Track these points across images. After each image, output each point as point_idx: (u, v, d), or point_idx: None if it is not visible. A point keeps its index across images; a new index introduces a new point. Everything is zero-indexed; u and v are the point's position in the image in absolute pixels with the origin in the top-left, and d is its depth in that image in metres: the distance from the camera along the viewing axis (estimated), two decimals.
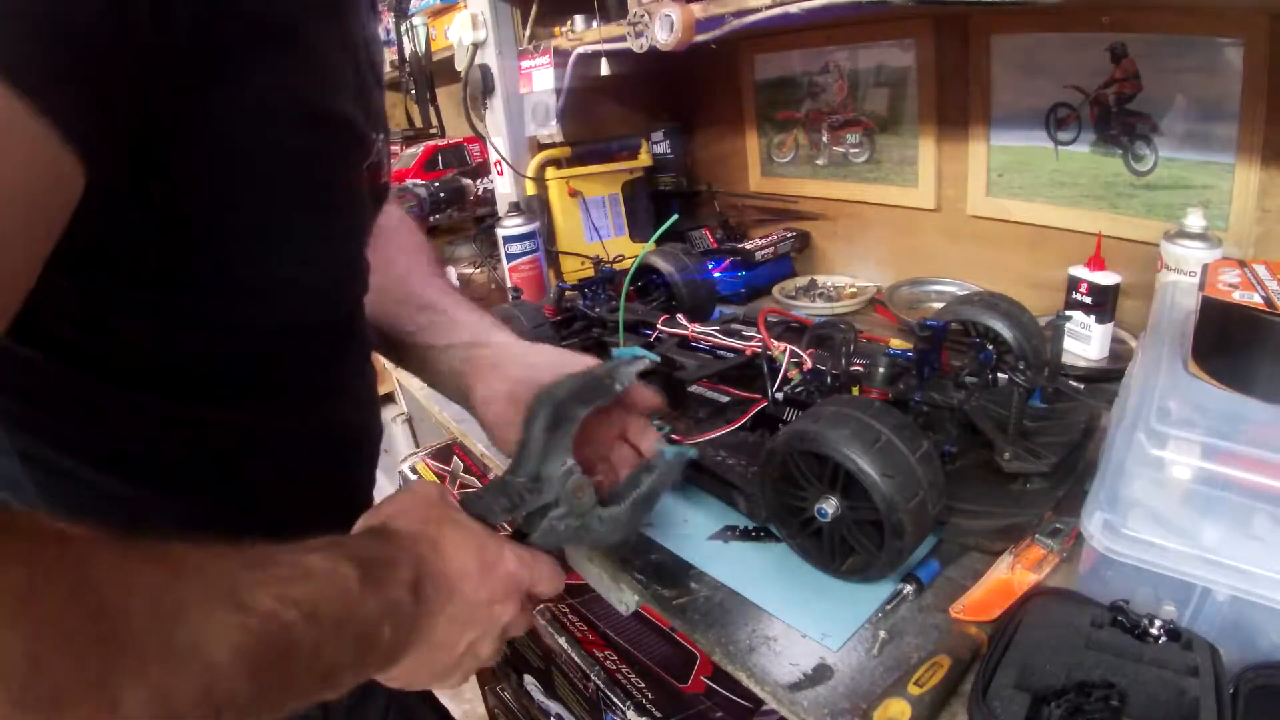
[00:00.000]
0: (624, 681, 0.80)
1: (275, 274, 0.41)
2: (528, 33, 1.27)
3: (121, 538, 0.26)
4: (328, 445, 0.49)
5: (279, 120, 0.37)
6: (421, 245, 0.66)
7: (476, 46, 1.28)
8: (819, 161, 1.32)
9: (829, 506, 0.57)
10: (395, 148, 1.87)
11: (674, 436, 0.76)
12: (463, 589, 0.40)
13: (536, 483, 0.45)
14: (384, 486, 0.56)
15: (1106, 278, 0.85)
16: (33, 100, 0.25)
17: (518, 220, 1.25)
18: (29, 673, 0.21)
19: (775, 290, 1.26)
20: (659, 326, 0.95)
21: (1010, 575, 0.58)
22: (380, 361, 0.67)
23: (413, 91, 1.92)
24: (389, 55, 2.07)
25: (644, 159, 1.42)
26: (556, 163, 1.35)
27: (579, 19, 1.18)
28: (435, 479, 1.21)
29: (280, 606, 0.29)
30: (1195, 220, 0.79)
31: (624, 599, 0.83)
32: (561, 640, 0.86)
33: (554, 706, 0.96)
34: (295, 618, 0.30)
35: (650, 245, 1.03)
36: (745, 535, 0.67)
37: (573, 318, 1.04)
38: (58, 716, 0.22)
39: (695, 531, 0.69)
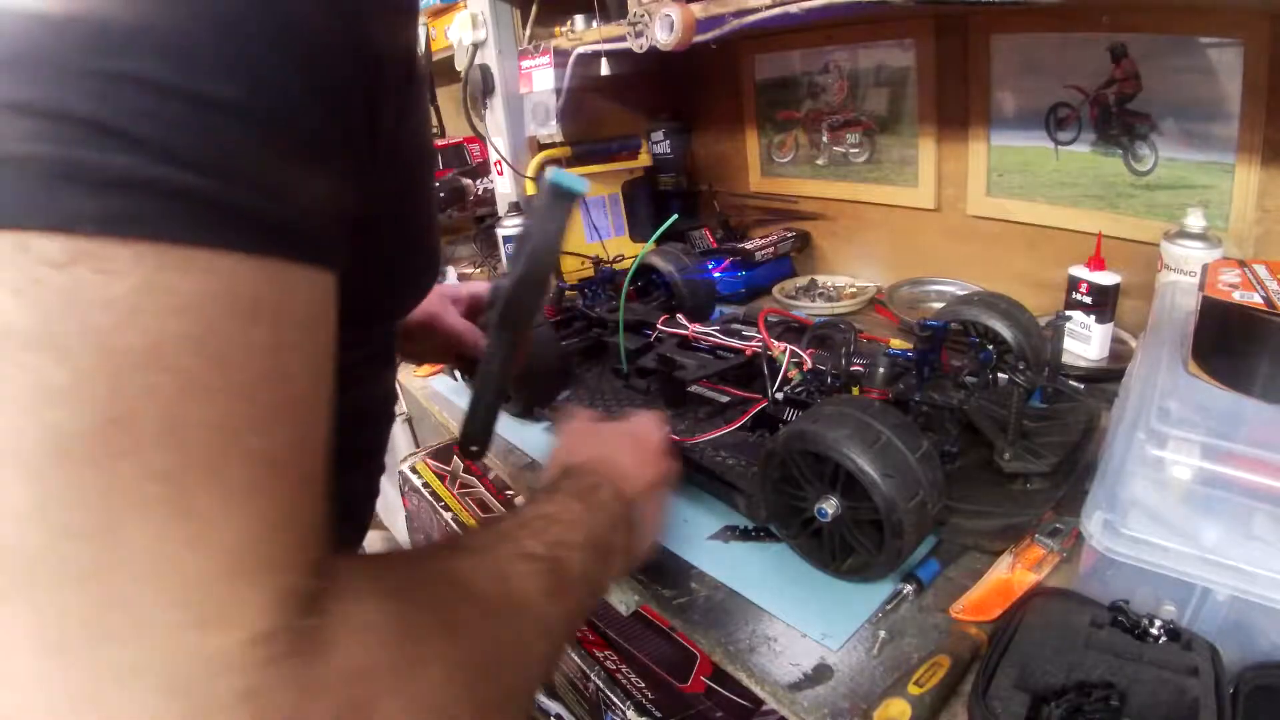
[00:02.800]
0: (624, 681, 0.80)
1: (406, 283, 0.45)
2: (528, 33, 1.27)
3: (423, 553, 0.34)
4: (381, 415, 0.52)
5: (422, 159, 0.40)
6: None
7: (476, 46, 1.28)
8: (819, 161, 1.32)
9: (829, 506, 0.57)
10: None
11: (673, 437, 0.76)
12: (635, 476, 0.51)
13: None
14: (385, 487, 0.55)
15: (1106, 278, 0.85)
16: (304, 260, 0.24)
17: (518, 220, 1.25)
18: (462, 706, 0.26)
19: (775, 290, 1.26)
20: (659, 326, 0.95)
21: (1010, 575, 0.58)
22: None
23: None
24: None
25: (644, 159, 1.42)
26: (556, 163, 1.34)
27: (579, 19, 1.18)
28: (436, 479, 1.21)
29: (549, 549, 0.37)
30: (1195, 220, 0.79)
31: (624, 599, 0.83)
32: None
33: (554, 706, 0.96)
34: (561, 552, 0.38)
35: (650, 245, 1.03)
36: (745, 535, 0.67)
37: (573, 318, 1.04)
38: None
39: (695, 531, 0.69)
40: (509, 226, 1.25)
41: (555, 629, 0.35)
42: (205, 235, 0.21)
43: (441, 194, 1.55)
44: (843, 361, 0.74)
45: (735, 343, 0.86)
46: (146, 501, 0.19)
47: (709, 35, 0.93)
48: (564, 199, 0.52)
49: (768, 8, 0.82)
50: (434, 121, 1.97)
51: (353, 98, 0.27)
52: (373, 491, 0.49)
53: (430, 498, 1.17)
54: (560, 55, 1.20)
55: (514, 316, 0.52)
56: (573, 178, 0.52)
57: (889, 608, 0.56)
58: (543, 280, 0.52)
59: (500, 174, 1.37)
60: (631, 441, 0.54)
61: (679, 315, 0.96)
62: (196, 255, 0.21)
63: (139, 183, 0.20)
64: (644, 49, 0.98)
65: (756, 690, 0.54)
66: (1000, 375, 0.73)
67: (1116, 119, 0.91)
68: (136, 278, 0.20)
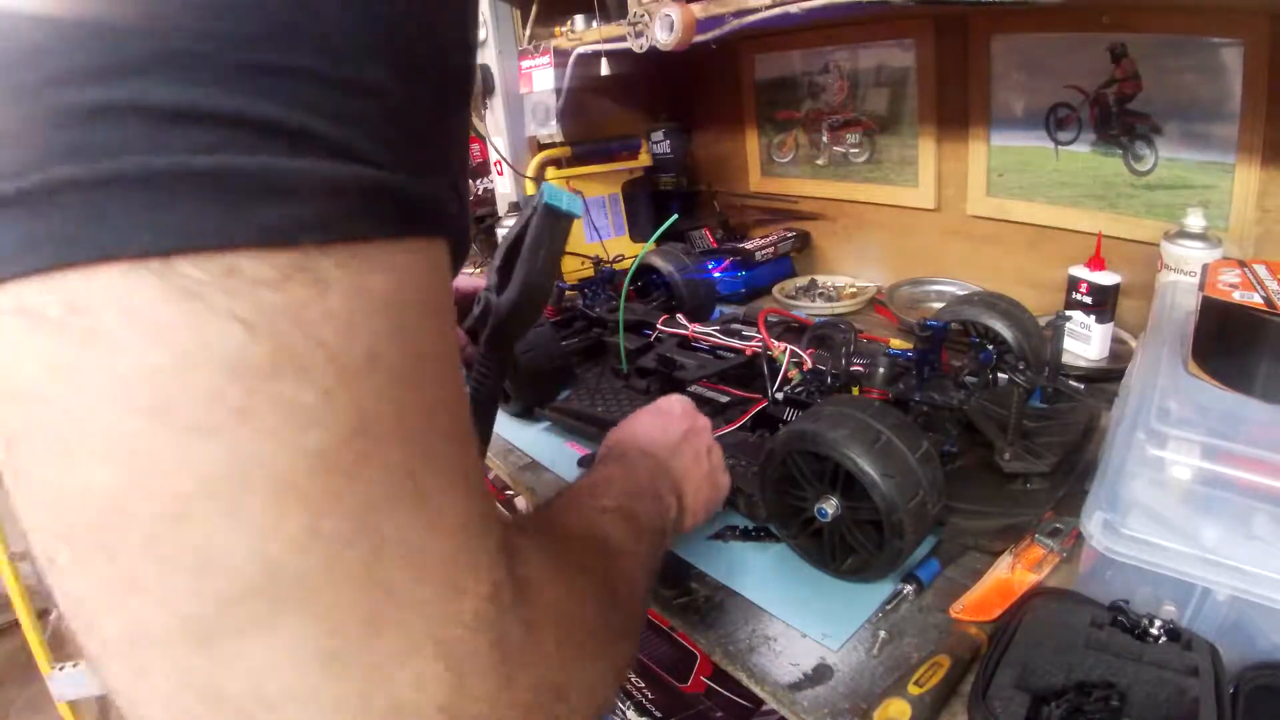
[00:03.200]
0: (624, 681, 0.80)
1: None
2: (528, 33, 1.27)
3: (540, 516, 0.39)
4: None
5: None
6: None
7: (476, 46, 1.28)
8: (819, 161, 1.32)
9: (829, 506, 0.57)
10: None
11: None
12: (658, 438, 0.56)
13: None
14: None
15: (1106, 278, 0.85)
16: (446, 238, 0.24)
17: (510, 223, 1.25)
18: (606, 630, 0.31)
19: (775, 290, 1.26)
20: (659, 326, 0.95)
21: (1010, 575, 0.58)
22: None
23: None
24: None
25: (644, 159, 1.42)
26: (556, 163, 1.34)
27: (579, 19, 1.18)
28: None
29: (615, 501, 0.43)
30: (1195, 220, 0.79)
31: None
32: None
33: None
34: (625, 501, 0.43)
35: (650, 245, 1.03)
36: (745, 535, 0.67)
37: (573, 318, 1.04)
38: (615, 648, 0.32)
39: (695, 531, 0.69)
40: (507, 226, 1.25)
41: (645, 564, 0.41)
42: (387, 228, 0.21)
43: None
44: (843, 361, 0.74)
45: (735, 343, 0.86)
46: (393, 497, 0.21)
47: (709, 35, 0.93)
48: (562, 220, 0.52)
49: (768, 8, 0.82)
50: None
51: (459, 78, 0.27)
52: None
53: None
54: (560, 55, 1.20)
55: (505, 338, 0.53)
56: (570, 198, 0.52)
57: (889, 608, 0.56)
58: (539, 305, 0.52)
59: (500, 174, 1.37)
60: (651, 414, 0.60)
61: (679, 315, 0.96)
62: (384, 250, 0.21)
63: (323, 184, 0.19)
64: (644, 49, 0.98)
65: (756, 690, 0.54)
66: (1000, 375, 0.73)
67: (1116, 119, 0.91)
68: (345, 284, 0.20)
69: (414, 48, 0.23)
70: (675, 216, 0.94)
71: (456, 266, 0.39)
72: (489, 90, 1.31)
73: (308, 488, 0.19)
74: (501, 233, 1.25)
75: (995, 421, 0.65)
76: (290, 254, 0.19)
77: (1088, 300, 0.87)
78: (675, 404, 0.61)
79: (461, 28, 0.27)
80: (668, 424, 0.58)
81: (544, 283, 0.52)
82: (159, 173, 0.17)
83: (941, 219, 1.16)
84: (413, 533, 0.21)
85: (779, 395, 0.75)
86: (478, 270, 1.48)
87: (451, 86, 0.26)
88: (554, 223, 0.52)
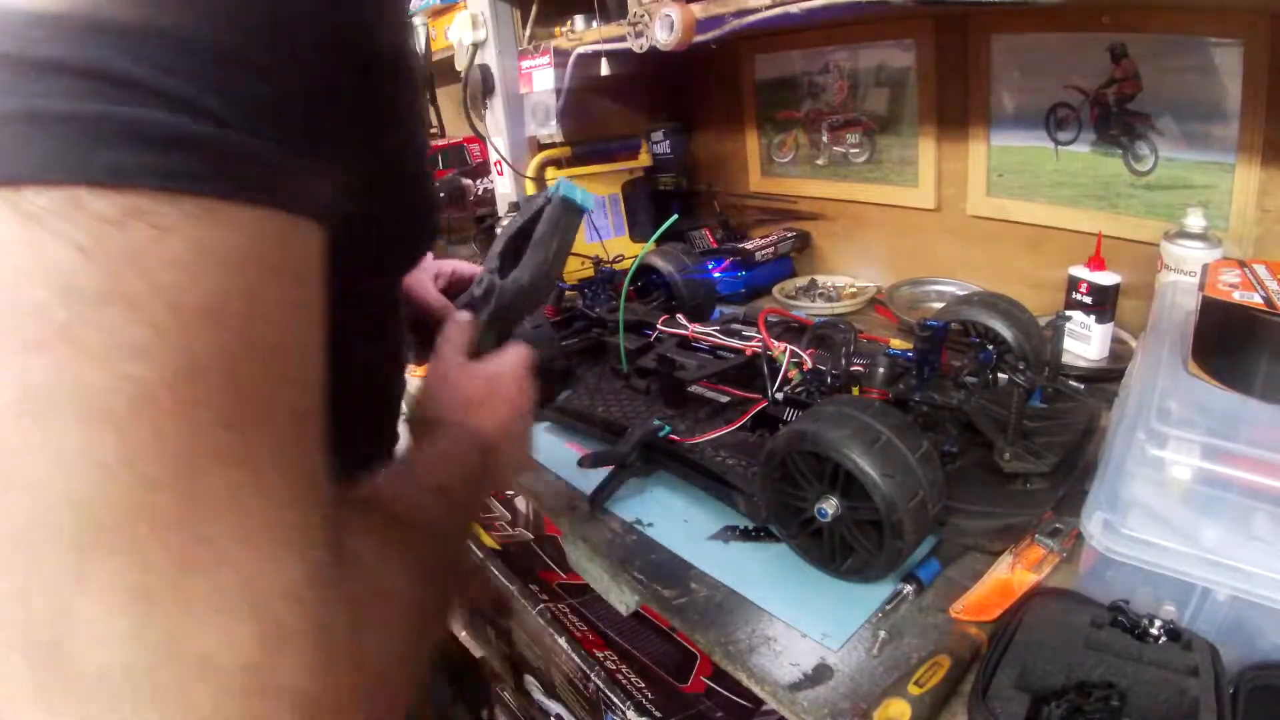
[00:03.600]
0: (624, 681, 0.80)
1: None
2: (528, 33, 1.27)
3: (369, 496, 0.36)
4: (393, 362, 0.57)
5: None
6: None
7: (476, 46, 1.28)
8: (819, 161, 1.32)
9: (829, 506, 0.57)
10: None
11: (673, 437, 0.76)
12: (486, 416, 0.53)
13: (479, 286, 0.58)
14: None
15: (1106, 278, 0.85)
16: (314, 217, 0.26)
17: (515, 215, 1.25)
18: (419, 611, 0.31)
19: (775, 290, 1.26)
20: (659, 326, 0.95)
21: (1010, 575, 0.58)
22: None
23: None
24: None
25: (644, 159, 1.42)
26: (556, 163, 1.34)
27: (579, 19, 1.18)
28: None
29: (442, 481, 0.42)
30: (1195, 220, 0.79)
31: (624, 599, 0.83)
32: (561, 640, 0.86)
33: (554, 706, 0.96)
34: (450, 483, 0.43)
35: (650, 245, 1.03)
36: (745, 535, 0.67)
37: (573, 318, 1.04)
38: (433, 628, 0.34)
39: (695, 531, 0.69)
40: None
41: (461, 545, 0.44)
42: (247, 193, 0.22)
43: (441, 194, 1.54)
44: (843, 361, 0.75)
45: (735, 343, 0.86)
46: (219, 453, 0.21)
47: (709, 35, 0.93)
48: (574, 214, 0.56)
49: (768, 8, 0.82)
50: (434, 121, 1.97)
51: (351, 56, 0.28)
52: (387, 437, 0.54)
53: None
54: (560, 55, 1.20)
55: (509, 318, 0.56)
56: (583, 193, 0.55)
57: (889, 608, 0.56)
58: (546, 291, 0.56)
59: (500, 174, 1.37)
60: (485, 385, 0.56)
61: (679, 315, 0.96)
62: (240, 212, 0.22)
63: (181, 139, 0.21)
64: (644, 49, 0.98)
65: (756, 690, 0.54)
66: (1000, 375, 0.73)
67: (1116, 119, 0.91)
68: (189, 235, 0.21)
69: (301, 24, 0.24)
70: (675, 216, 0.94)
71: (394, 259, 0.43)
72: (489, 90, 1.30)
73: (124, 419, 0.19)
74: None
75: (995, 421, 0.65)
76: (132, 195, 0.20)
77: (1088, 300, 0.87)
78: (508, 375, 0.57)
79: (378, 8, 0.29)
80: (497, 401, 0.56)
81: (554, 270, 0.55)
82: (13, 114, 0.19)
83: (941, 219, 1.16)
84: (237, 493, 0.21)
85: (779, 395, 0.75)
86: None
87: (361, 68, 0.28)
88: (567, 215, 0.55)
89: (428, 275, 0.74)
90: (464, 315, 0.58)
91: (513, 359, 0.57)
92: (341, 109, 0.28)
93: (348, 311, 0.31)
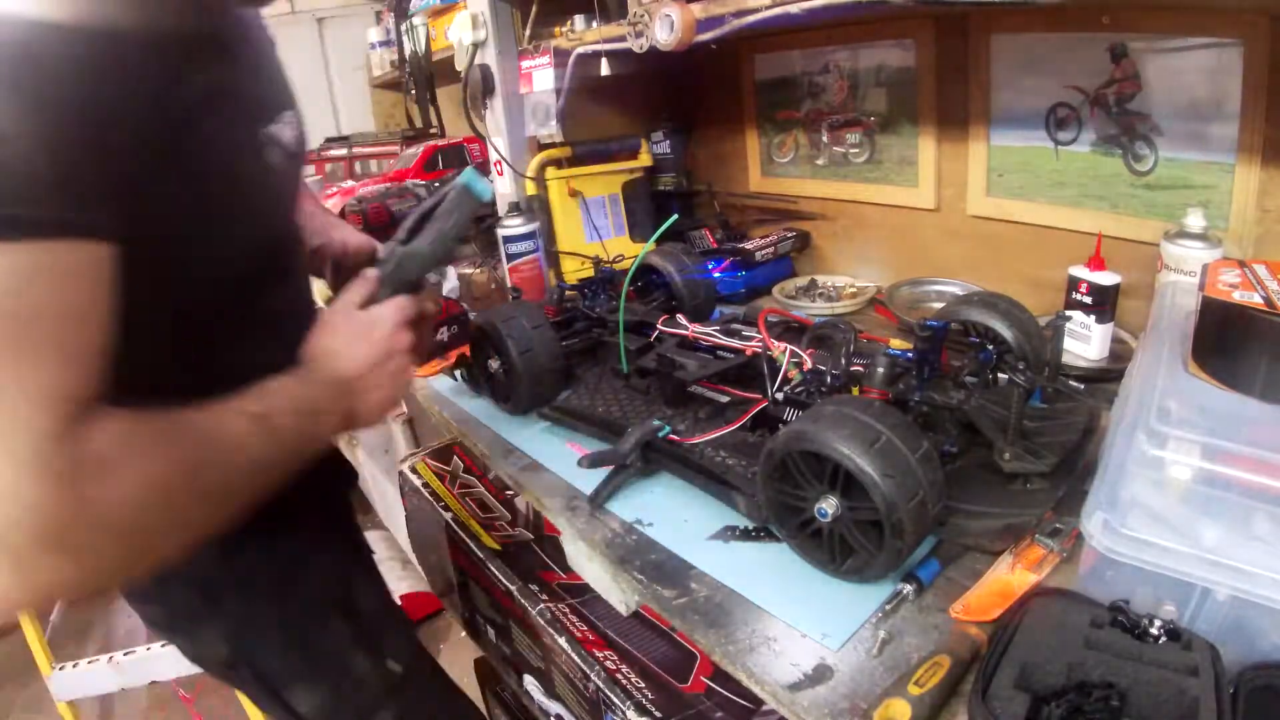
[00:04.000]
0: (624, 681, 0.80)
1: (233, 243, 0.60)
2: (528, 33, 1.27)
3: (164, 412, 0.48)
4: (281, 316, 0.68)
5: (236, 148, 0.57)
6: (310, 195, 0.91)
7: (476, 46, 1.28)
8: (819, 161, 1.32)
9: (829, 506, 0.57)
10: (395, 148, 1.87)
11: (673, 437, 0.76)
12: (351, 355, 0.62)
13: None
14: (385, 488, 0.61)
15: (1106, 278, 0.85)
16: (74, 232, 0.42)
17: (518, 220, 1.25)
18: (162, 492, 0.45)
19: (775, 290, 1.26)
20: (659, 326, 0.95)
21: (1010, 575, 0.58)
22: None
23: (413, 91, 1.92)
24: (389, 55, 2.07)
25: (644, 159, 1.42)
26: (556, 163, 1.35)
27: (579, 19, 1.18)
28: (435, 479, 1.21)
29: (263, 407, 0.53)
30: (1195, 220, 0.79)
31: (624, 599, 0.83)
32: (561, 640, 0.86)
33: (554, 706, 0.96)
34: (276, 413, 0.54)
35: (650, 245, 1.03)
36: (745, 535, 0.67)
37: (573, 318, 1.04)
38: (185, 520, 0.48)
39: (695, 531, 0.69)
40: (509, 226, 1.25)
41: (259, 458, 0.52)
42: (17, 234, 0.40)
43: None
44: (843, 361, 0.74)
45: (735, 343, 0.86)
46: None
47: (709, 35, 0.93)
48: (473, 199, 0.68)
49: (768, 8, 0.82)
50: (434, 121, 1.97)
51: (147, 124, 0.47)
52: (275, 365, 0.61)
53: (430, 497, 1.17)
54: (560, 55, 1.20)
55: (404, 279, 0.67)
56: (484, 184, 0.69)
57: (889, 608, 0.56)
58: (441, 259, 0.69)
59: (500, 174, 1.37)
60: (357, 328, 0.64)
61: (679, 315, 0.96)
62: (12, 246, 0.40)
63: None
64: (644, 49, 0.98)
65: (756, 690, 0.54)
66: (1000, 375, 0.73)
67: (1116, 119, 0.91)
68: None
69: (97, 124, 0.44)
70: (675, 216, 0.94)
71: (226, 252, 0.58)
72: (489, 90, 1.31)
73: None
74: (502, 232, 1.25)
75: (995, 421, 0.65)
76: None
77: (1088, 300, 0.87)
78: (383, 323, 0.64)
79: (170, 73, 0.50)
80: (367, 342, 0.63)
81: (449, 241, 0.68)
82: None
83: (941, 219, 1.16)
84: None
85: (779, 395, 0.75)
86: (479, 270, 1.48)
87: (166, 124, 0.48)
88: (467, 199, 0.68)
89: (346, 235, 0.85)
90: (370, 272, 0.67)
91: (390, 308, 0.65)
92: (138, 163, 0.46)
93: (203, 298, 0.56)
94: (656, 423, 0.77)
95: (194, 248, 0.55)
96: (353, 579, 0.80)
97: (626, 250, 1.35)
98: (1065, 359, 0.85)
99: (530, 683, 1.02)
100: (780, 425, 0.71)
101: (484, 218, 1.59)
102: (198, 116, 0.51)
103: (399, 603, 0.84)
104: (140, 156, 0.46)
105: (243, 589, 0.71)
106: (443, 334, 1.16)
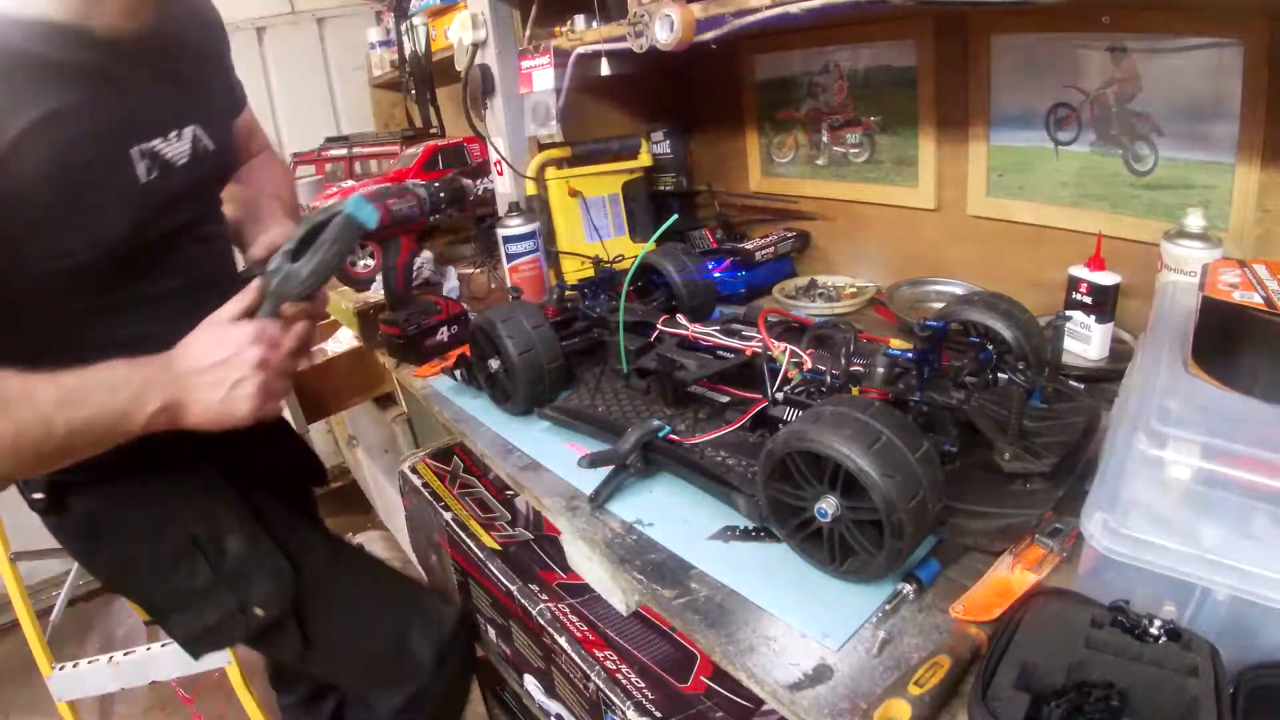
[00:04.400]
0: (624, 681, 0.80)
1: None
2: (528, 33, 1.27)
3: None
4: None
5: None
6: (272, 174, 1.01)
7: (476, 46, 1.28)
8: (819, 161, 1.32)
9: (829, 506, 0.57)
10: (395, 148, 1.87)
11: (672, 437, 0.76)
12: (197, 354, 0.70)
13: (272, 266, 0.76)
14: (385, 488, 0.60)
15: (1106, 278, 0.85)
16: None
17: (518, 220, 1.25)
18: None
19: (775, 290, 1.26)
20: (659, 326, 0.95)
21: (1010, 575, 0.58)
22: (382, 363, 0.90)
23: (413, 91, 1.92)
24: (389, 55, 2.07)
25: (644, 159, 1.42)
26: (556, 163, 1.34)
27: (579, 19, 1.18)
28: (435, 479, 1.21)
29: (70, 383, 0.63)
30: (1195, 220, 0.79)
31: (624, 599, 0.83)
32: (561, 640, 0.86)
33: (554, 706, 0.96)
34: (73, 388, 0.63)
35: (650, 245, 1.03)
36: (745, 535, 0.67)
37: (573, 318, 1.04)
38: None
39: (695, 531, 0.69)
40: (509, 226, 1.25)
41: (63, 421, 0.61)
42: None
43: (441, 194, 1.54)
44: (843, 361, 0.74)
45: (735, 343, 0.86)
46: None
47: (709, 35, 0.93)
48: (355, 229, 0.73)
49: (768, 8, 0.82)
50: (434, 121, 1.97)
51: None
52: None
53: (430, 497, 1.17)
54: (560, 55, 1.20)
55: (283, 296, 0.73)
56: (370, 211, 0.74)
57: (889, 608, 0.56)
58: (318, 284, 0.74)
59: (500, 174, 1.37)
60: (209, 336, 0.71)
61: (679, 315, 0.96)
62: None
63: None
64: (644, 49, 0.98)
65: (756, 690, 0.54)
66: (1000, 375, 0.73)
67: (1116, 119, 0.91)
68: None
69: None
70: (675, 216, 0.94)
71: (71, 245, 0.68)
72: (489, 90, 1.31)
73: None
74: (502, 232, 1.25)
75: (995, 421, 0.65)
76: None
77: (1088, 300, 0.87)
78: (239, 335, 0.71)
79: None
80: (212, 349, 0.70)
81: (328, 271, 0.74)
82: None
83: (941, 219, 1.16)
84: None
85: (779, 395, 0.75)
86: (479, 270, 1.47)
87: None
88: (351, 228, 0.73)
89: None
90: (255, 283, 0.74)
91: (253, 325, 0.72)
92: None
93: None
94: (656, 423, 0.77)
95: (25, 247, 0.65)
96: (222, 525, 0.86)
97: (626, 250, 1.35)
98: (1065, 359, 0.85)
99: (530, 683, 1.02)
100: (780, 425, 0.71)
101: (484, 217, 1.59)
102: (24, 140, 0.61)
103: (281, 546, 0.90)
104: None
105: (118, 526, 0.83)
106: (443, 334, 1.15)
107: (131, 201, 0.71)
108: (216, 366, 0.69)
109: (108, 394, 0.64)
